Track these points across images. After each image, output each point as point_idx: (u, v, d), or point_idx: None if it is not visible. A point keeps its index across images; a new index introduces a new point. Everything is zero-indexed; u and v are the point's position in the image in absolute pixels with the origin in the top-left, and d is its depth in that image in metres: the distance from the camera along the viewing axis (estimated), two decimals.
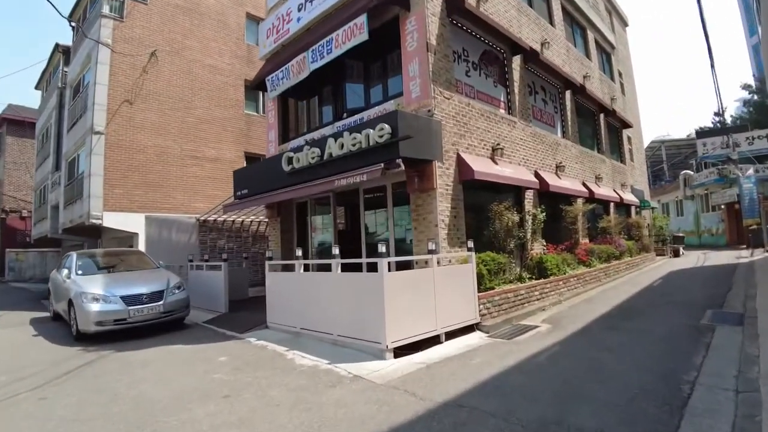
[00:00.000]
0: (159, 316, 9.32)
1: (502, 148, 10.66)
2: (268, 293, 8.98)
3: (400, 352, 6.39)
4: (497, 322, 8.17)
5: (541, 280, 10.17)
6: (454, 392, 4.81)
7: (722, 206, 29.28)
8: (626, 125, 21.67)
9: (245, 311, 10.78)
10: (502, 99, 11.93)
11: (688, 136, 43.67)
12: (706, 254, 22.74)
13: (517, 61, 12.53)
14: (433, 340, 7.01)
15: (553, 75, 14.32)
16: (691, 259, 20.54)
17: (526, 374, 5.30)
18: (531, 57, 12.80)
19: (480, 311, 8.07)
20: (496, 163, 10.43)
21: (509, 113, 11.93)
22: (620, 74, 23.97)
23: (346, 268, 7.63)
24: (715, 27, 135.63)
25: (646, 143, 32.31)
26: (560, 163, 13.75)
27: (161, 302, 9.35)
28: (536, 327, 8.02)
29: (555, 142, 14.02)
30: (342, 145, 9.10)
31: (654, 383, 4.70)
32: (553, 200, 13.19)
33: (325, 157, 9.43)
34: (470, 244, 8.16)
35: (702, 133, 32.78)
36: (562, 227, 13.48)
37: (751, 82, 39.19)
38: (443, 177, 8.95)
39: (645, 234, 20.96)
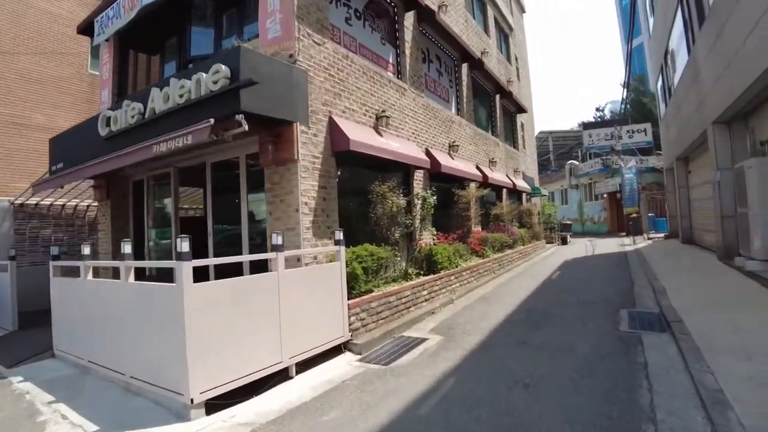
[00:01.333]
0: None
1: (387, 117, 8.73)
2: (53, 307, 6.25)
3: (221, 402, 4.19)
4: (374, 337, 6.25)
5: (431, 277, 8.46)
6: None
7: (605, 195, 30.40)
8: (521, 110, 21.06)
9: (43, 328, 7.78)
10: (390, 60, 10.02)
11: (571, 129, 45.72)
12: (593, 242, 23.05)
13: (410, 20, 10.68)
14: (282, 374, 4.91)
15: (450, 43, 12.73)
16: (580, 247, 20.48)
17: None
18: (426, 16, 11.03)
19: (351, 324, 6.08)
20: (381, 135, 8.51)
21: (399, 78, 10.07)
22: (516, 59, 23.41)
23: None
24: (595, 38, 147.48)
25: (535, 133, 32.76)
26: (454, 142, 12.24)
27: None
28: (423, 341, 6.24)
29: (449, 118, 12.47)
30: (167, 97, 6.63)
31: None
32: (445, 183, 11.67)
33: (147, 115, 6.89)
34: (339, 235, 6.05)
35: (588, 125, 33.96)
36: (453, 214, 11.97)
37: (624, 84, 41.76)
38: (309, 146, 6.81)
39: (535, 221, 20.59)
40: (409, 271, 8.19)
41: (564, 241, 23.80)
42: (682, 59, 12.49)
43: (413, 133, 10.12)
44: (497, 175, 15.41)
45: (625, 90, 19.96)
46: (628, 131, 29.61)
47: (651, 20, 18.62)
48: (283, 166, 6.66)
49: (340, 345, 5.82)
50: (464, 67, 14.09)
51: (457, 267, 9.63)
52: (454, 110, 13.40)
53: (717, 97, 9.05)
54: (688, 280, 8.70)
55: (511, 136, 20.78)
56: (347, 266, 6.31)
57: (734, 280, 7.87)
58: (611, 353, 5.11)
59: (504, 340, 6.00)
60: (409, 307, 7.54)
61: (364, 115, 8.30)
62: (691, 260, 11.36)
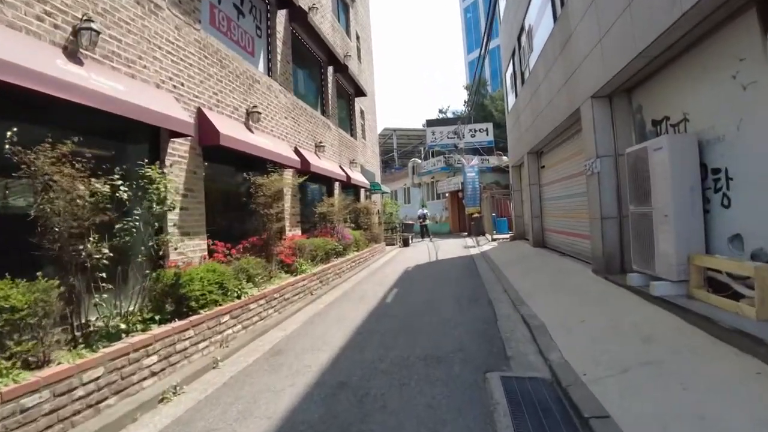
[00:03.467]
0: None
1: (97, 32, 4.73)
2: None
3: None
4: None
5: (174, 326, 4.74)
6: None
7: (447, 194, 29.46)
8: (360, 92, 18.26)
9: None
10: None
11: (416, 127, 45.16)
12: (435, 243, 21.35)
13: None
14: None
15: None
16: (422, 250, 18.44)
17: None
18: None
19: None
20: (80, 63, 4.57)
21: None
22: (358, 38, 20.62)
23: None
24: (441, 47, 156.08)
25: (378, 131, 30.76)
26: (255, 108, 8.61)
27: None
28: None
29: (250, 75, 8.83)
30: None
31: None
32: (246, 168, 8.08)
33: None
34: None
35: (432, 122, 32.89)
36: (250, 212, 8.25)
37: (467, 87, 42.83)
38: None
39: (375, 222, 17.95)
40: (126, 323, 4.38)
41: (406, 243, 21.77)
42: (543, 32, 10.47)
43: (170, 79, 6.27)
44: (326, 164, 12.22)
45: (476, 77, 18.34)
46: (470, 130, 28.98)
47: (503, 3, 17.08)
48: None
49: None
50: (281, 15, 10.57)
51: (237, 299, 6.07)
52: (262, 68, 9.79)
53: (600, 61, 6.76)
54: (571, 308, 6.11)
55: (348, 122, 17.88)
56: None
57: (639, 310, 5.37)
58: None
59: None
60: (105, 399, 3.76)
61: (43, 21, 4.29)
62: (556, 272, 9.11)
